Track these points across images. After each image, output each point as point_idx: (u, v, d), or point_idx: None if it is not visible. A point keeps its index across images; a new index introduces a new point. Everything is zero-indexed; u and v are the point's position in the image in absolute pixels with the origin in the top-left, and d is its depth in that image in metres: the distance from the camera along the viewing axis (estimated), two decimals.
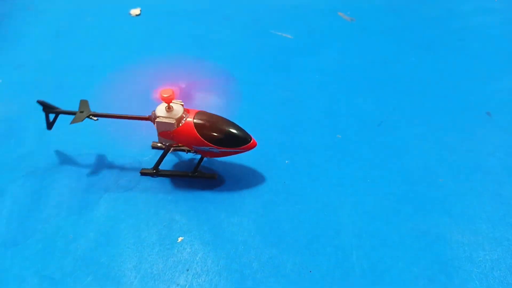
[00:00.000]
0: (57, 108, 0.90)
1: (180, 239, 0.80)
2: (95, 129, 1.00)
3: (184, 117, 0.81)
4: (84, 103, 0.88)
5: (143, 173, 0.90)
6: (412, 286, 0.73)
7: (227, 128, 0.81)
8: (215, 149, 0.82)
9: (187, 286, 0.74)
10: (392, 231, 0.80)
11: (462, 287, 0.73)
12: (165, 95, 0.77)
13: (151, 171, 0.90)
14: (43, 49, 1.28)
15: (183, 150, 0.92)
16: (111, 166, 0.93)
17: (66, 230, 0.82)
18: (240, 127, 0.83)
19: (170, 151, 0.89)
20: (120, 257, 0.78)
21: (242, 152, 0.83)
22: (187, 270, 0.76)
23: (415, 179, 0.89)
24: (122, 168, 0.92)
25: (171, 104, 0.80)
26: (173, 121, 0.79)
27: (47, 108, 0.89)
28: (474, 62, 1.20)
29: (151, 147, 0.96)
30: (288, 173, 0.91)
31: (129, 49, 1.28)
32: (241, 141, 0.81)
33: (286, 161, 0.94)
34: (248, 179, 0.90)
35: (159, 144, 0.94)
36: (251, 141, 0.82)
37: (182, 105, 0.82)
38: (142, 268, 0.76)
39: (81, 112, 0.87)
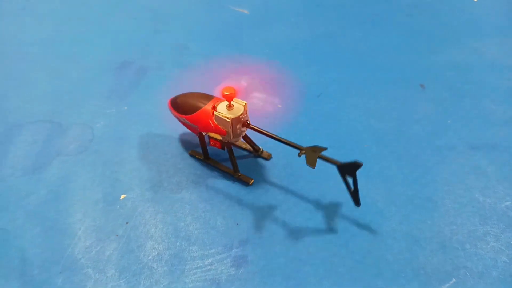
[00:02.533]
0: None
1: (122, 196, 0.88)
2: (51, 99, 1.07)
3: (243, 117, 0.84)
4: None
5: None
6: (324, 235, 0.81)
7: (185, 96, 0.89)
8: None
9: (125, 236, 0.82)
10: (313, 190, 0.89)
11: (369, 238, 0.81)
12: (226, 93, 0.79)
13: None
14: (8, 20, 1.32)
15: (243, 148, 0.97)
16: (63, 132, 1.00)
17: (20, 188, 0.90)
18: (198, 97, 0.88)
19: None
20: (67, 212, 0.86)
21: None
22: (127, 223, 0.84)
23: (342, 144, 0.98)
24: (73, 135, 0.99)
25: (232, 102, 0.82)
26: (228, 120, 0.83)
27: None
28: (417, 37, 1.27)
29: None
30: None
31: (90, 21, 1.33)
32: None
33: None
34: (187, 142, 0.97)
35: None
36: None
37: (244, 104, 0.84)
38: (86, 221, 0.84)
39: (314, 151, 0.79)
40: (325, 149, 0.78)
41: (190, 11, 1.31)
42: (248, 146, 0.96)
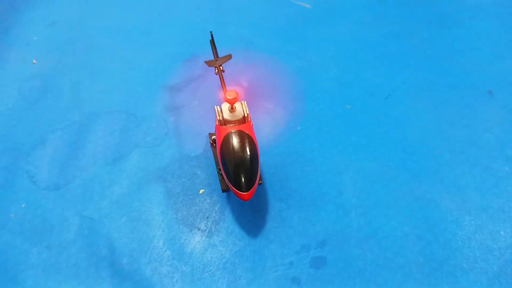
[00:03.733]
0: (215, 47, 0.95)
1: (201, 191, 0.91)
2: (124, 89, 1.10)
3: (242, 120, 0.82)
4: (227, 57, 0.94)
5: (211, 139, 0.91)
6: (401, 242, 0.83)
7: (237, 163, 0.77)
8: (221, 166, 0.80)
9: (207, 231, 0.86)
10: (388, 194, 0.91)
11: (446, 246, 0.83)
12: (229, 97, 0.79)
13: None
14: (76, 7, 1.35)
15: None
16: (139, 124, 1.03)
17: (102, 177, 0.94)
18: (250, 174, 0.77)
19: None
20: (150, 203, 0.90)
21: (232, 191, 0.80)
22: (207, 217, 0.87)
23: (414, 149, 0.98)
24: (149, 127, 1.02)
25: (235, 105, 0.81)
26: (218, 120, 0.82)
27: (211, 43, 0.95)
28: (482, 41, 1.26)
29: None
30: (299, 138, 1.01)
31: (154, 11, 1.35)
32: (234, 183, 0.77)
33: (298, 128, 1.03)
34: (262, 142, 0.99)
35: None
36: (244, 193, 0.76)
37: (245, 115, 0.82)
38: (168, 213, 0.88)
39: (216, 60, 0.92)
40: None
41: (252, 5, 1.32)
42: None
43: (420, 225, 0.86)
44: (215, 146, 0.90)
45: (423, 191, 0.91)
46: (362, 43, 1.25)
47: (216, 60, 0.94)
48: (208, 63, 0.94)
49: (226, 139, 0.78)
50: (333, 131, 1.03)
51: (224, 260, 0.81)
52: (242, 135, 0.78)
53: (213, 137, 0.91)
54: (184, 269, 0.80)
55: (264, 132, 1.01)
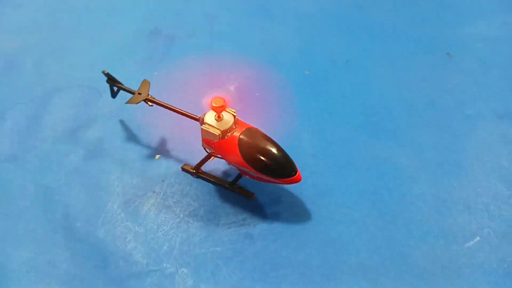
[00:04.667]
0: (119, 83, 0.91)
1: (157, 156, 0.92)
2: (88, 65, 1.10)
3: (232, 130, 0.73)
4: (145, 84, 0.86)
5: (184, 169, 0.87)
6: (356, 198, 0.84)
7: (273, 155, 0.72)
8: (252, 172, 0.73)
9: (161, 193, 0.86)
10: (345, 154, 0.91)
11: (401, 201, 0.83)
12: (215, 105, 0.69)
13: (192, 170, 0.86)
14: None
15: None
16: (100, 96, 1.03)
17: (61, 148, 0.94)
18: (287, 157, 0.73)
19: (211, 159, 0.83)
20: (106, 171, 0.90)
21: (282, 184, 0.75)
22: (163, 181, 0.87)
23: (372, 112, 0.99)
24: (109, 99, 1.02)
25: (221, 113, 0.72)
26: (217, 133, 0.72)
27: (111, 80, 0.91)
28: (447, 10, 1.27)
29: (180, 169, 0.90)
30: (259, 105, 1.01)
31: None
32: (284, 174, 0.72)
33: (257, 94, 1.03)
34: None
35: (189, 169, 0.88)
36: (295, 175, 0.72)
37: (234, 115, 0.73)
38: (124, 179, 0.88)
39: (139, 94, 0.85)
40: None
41: None
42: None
43: (375, 182, 0.86)
44: (202, 172, 0.85)
45: (379, 150, 0.92)
46: (326, 15, 1.26)
47: (139, 93, 0.85)
48: (133, 100, 0.84)
49: (243, 145, 0.72)
50: (294, 98, 1.03)
51: (178, 219, 0.81)
52: (251, 131, 0.74)
53: (195, 166, 0.85)
54: (137, 229, 0.80)
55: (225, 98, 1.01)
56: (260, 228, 0.79)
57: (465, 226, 0.80)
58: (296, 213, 0.81)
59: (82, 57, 1.13)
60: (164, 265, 0.75)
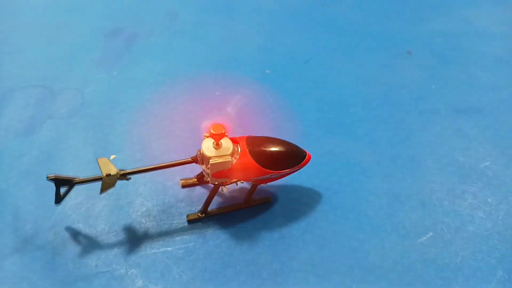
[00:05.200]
0: (73, 178, 0.72)
1: (112, 156, 0.90)
2: (44, 64, 1.08)
3: (235, 152, 0.70)
4: (104, 163, 0.72)
5: (190, 220, 0.79)
6: (309, 192, 0.84)
7: (284, 150, 0.72)
8: (275, 174, 0.73)
9: (115, 194, 0.85)
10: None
11: (352, 195, 0.84)
12: (214, 132, 0.65)
13: (199, 215, 0.80)
14: None
15: (233, 182, 0.76)
16: (54, 96, 1.02)
17: (13, 148, 0.92)
18: (291, 143, 0.74)
19: (223, 191, 0.80)
20: (58, 172, 0.87)
21: (299, 169, 0.75)
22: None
23: (329, 108, 0.99)
24: (65, 99, 1.01)
25: (221, 140, 0.68)
26: (229, 159, 0.68)
27: (60, 182, 0.72)
28: (407, 5, 1.28)
29: (180, 186, 0.86)
30: (218, 103, 1.01)
31: None
32: (300, 159, 0.74)
33: (217, 93, 1.03)
34: (177, 106, 0.99)
35: (191, 181, 0.85)
36: (307, 155, 0.75)
37: (226, 135, 0.69)
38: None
39: (108, 175, 0.71)
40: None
41: None
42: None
43: (329, 177, 0.87)
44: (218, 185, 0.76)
45: (334, 146, 0.92)
46: (288, 12, 1.26)
47: (107, 175, 0.71)
48: (106, 187, 0.72)
49: (257, 157, 0.70)
50: (252, 96, 1.03)
51: (130, 220, 0.80)
52: (253, 140, 0.72)
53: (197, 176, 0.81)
54: (88, 231, 0.79)
55: (185, 97, 1.01)
56: (213, 227, 0.79)
57: (418, 222, 0.81)
58: (249, 211, 0.81)
59: (39, 57, 1.11)
60: (114, 267, 0.74)
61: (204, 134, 0.70)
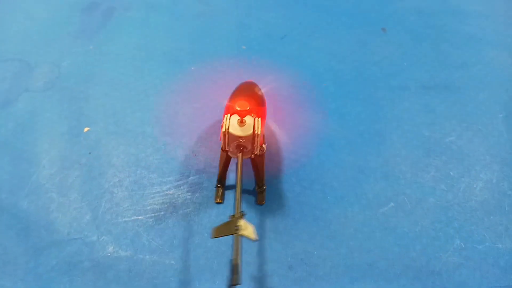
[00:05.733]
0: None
1: (86, 129, 0.92)
2: (20, 39, 1.09)
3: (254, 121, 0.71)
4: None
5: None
6: (278, 167, 0.87)
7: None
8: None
9: (88, 165, 0.87)
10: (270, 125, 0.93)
11: (319, 167, 0.87)
12: (239, 108, 0.68)
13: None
14: None
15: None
16: (31, 70, 1.03)
17: None
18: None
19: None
20: (33, 143, 0.90)
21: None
22: (90, 153, 0.88)
23: (302, 83, 1.01)
24: (41, 72, 1.01)
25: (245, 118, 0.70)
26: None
27: None
28: None
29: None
30: (192, 77, 1.02)
31: None
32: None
33: (192, 68, 1.04)
34: (153, 80, 1.00)
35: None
36: None
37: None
38: (51, 151, 0.89)
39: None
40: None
41: None
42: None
43: (297, 151, 0.89)
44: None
45: (304, 120, 0.94)
46: None
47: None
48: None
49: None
50: (227, 70, 1.04)
51: (102, 190, 0.83)
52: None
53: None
54: (61, 200, 0.81)
55: (162, 74, 1.02)
56: (183, 198, 0.82)
57: (380, 193, 0.84)
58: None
59: (15, 31, 1.12)
60: (86, 234, 0.77)
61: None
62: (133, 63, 1.04)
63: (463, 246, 0.78)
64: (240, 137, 0.69)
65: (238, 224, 0.60)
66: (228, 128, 0.69)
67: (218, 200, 0.80)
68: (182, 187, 0.84)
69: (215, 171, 0.86)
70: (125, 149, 0.89)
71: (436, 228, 0.80)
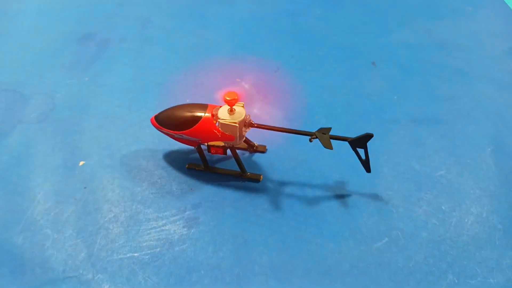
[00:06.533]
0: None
1: (81, 163, 0.92)
2: (14, 69, 1.09)
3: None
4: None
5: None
6: (273, 200, 0.87)
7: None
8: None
9: (83, 200, 0.87)
10: (263, 156, 0.95)
11: (313, 203, 0.88)
12: (228, 98, 0.76)
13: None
14: None
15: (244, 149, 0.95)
16: (25, 101, 1.03)
17: None
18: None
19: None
20: (27, 177, 0.90)
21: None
22: (85, 187, 0.88)
23: (296, 116, 1.03)
24: (35, 104, 1.02)
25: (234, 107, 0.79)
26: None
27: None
28: (373, 16, 1.33)
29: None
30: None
31: None
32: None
33: (187, 100, 1.05)
34: (147, 112, 1.01)
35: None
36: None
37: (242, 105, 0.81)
38: (45, 185, 0.88)
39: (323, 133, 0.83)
40: (330, 128, 0.83)
41: None
42: (244, 145, 0.96)
43: (291, 185, 0.90)
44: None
45: (297, 153, 0.96)
46: (258, 21, 1.29)
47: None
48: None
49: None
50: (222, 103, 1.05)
51: (97, 226, 0.83)
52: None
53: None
54: (56, 236, 0.81)
55: (154, 103, 1.03)
56: (179, 233, 0.82)
57: (374, 227, 0.85)
58: (215, 216, 0.85)
59: (9, 61, 1.12)
60: (81, 272, 0.77)
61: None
62: (128, 95, 1.05)
63: (456, 281, 0.80)
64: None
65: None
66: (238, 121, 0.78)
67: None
68: (178, 222, 0.84)
69: (212, 205, 0.86)
70: (121, 182, 0.89)
71: (429, 263, 0.81)
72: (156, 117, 0.86)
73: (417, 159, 0.97)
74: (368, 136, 0.81)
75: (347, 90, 1.10)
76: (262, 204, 0.87)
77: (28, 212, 0.84)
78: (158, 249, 0.80)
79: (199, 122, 0.82)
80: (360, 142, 0.82)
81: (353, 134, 0.98)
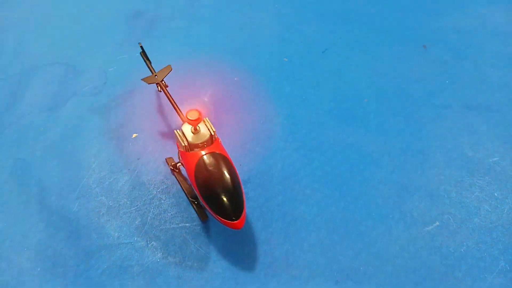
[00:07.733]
0: (148, 59, 0.89)
1: (134, 135, 0.94)
2: (67, 44, 1.12)
3: (200, 147, 0.71)
4: (165, 69, 0.86)
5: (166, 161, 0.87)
6: (321, 179, 0.88)
7: (219, 190, 0.67)
8: (200, 198, 0.70)
9: (136, 170, 0.89)
10: (314, 138, 0.95)
11: (363, 184, 0.87)
12: (191, 118, 0.68)
13: (171, 166, 0.85)
14: None
15: None
16: (78, 75, 1.05)
17: (38, 124, 0.96)
18: (236, 198, 0.67)
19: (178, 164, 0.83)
20: (82, 147, 0.92)
21: (220, 222, 0.68)
22: (138, 159, 0.90)
23: (344, 98, 1.02)
24: (88, 77, 1.04)
25: (198, 126, 0.71)
26: (184, 144, 0.70)
27: (143, 54, 0.90)
28: (424, 0, 1.29)
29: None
30: (236, 88, 1.04)
31: None
32: (223, 213, 0.67)
33: (236, 78, 1.06)
34: (197, 89, 1.02)
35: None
36: (235, 221, 0.66)
37: (212, 133, 0.71)
38: (100, 156, 0.91)
39: (156, 76, 0.85)
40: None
41: None
42: None
43: (340, 166, 0.90)
44: (178, 172, 0.84)
45: (347, 135, 0.95)
46: (306, 1, 1.28)
47: (155, 75, 0.84)
48: (147, 80, 0.84)
49: (199, 166, 0.68)
50: (269, 83, 1.06)
51: (151, 196, 0.84)
52: (216, 157, 0.69)
53: (175, 163, 0.84)
54: (111, 204, 0.83)
55: (201, 84, 1.04)
56: None
57: (425, 211, 0.84)
58: (264, 193, 0.85)
59: (62, 35, 1.15)
60: (135, 239, 0.79)
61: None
62: (175, 73, 1.06)
63: (508, 268, 0.78)
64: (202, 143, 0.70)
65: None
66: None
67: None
68: None
69: (261, 182, 0.87)
70: (172, 156, 0.91)
71: (481, 249, 0.80)
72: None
73: (470, 145, 0.95)
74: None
75: (397, 74, 1.08)
76: (310, 184, 0.87)
77: (84, 180, 0.86)
78: (208, 221, 0.81)
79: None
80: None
81: (404, 118, 0.97)
